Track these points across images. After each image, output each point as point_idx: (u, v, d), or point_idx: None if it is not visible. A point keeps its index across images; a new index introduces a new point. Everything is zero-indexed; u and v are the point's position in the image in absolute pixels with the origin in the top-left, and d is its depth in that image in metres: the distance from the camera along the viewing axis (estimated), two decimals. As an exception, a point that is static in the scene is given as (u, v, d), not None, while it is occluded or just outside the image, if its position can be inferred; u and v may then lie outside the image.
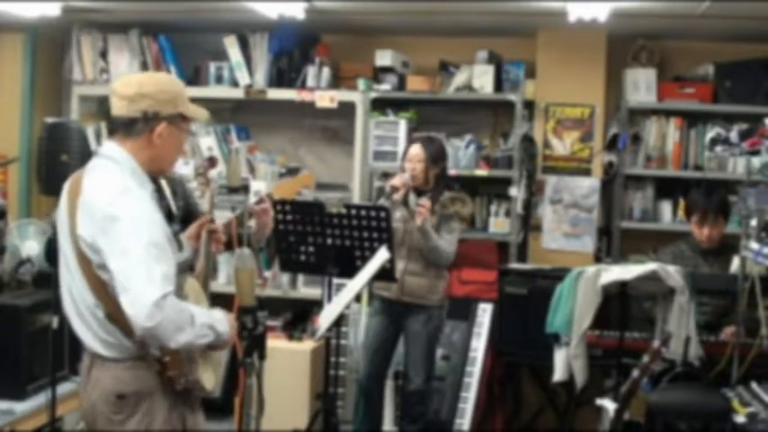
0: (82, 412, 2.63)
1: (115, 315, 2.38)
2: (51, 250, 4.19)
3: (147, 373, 2.47)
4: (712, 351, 3.74)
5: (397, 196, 4.18)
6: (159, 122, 2.48)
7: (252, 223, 3.03)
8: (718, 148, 4.34)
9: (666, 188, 5.24)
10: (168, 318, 2.27)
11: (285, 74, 5.41)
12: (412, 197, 4.26)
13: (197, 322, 2.36)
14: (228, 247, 2.99)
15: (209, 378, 2.60)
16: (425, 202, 4.14)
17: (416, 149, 4.26)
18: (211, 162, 3.20)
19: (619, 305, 3.83)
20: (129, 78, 2.56)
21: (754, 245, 3.42)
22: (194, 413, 2.63)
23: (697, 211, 4.18)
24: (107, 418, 2.48)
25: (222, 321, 2.48)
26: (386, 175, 5.13)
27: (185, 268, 2.73)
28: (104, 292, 2.40)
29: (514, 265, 5.01)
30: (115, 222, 2.34)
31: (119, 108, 2.49)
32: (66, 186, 2.54)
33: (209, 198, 2.93)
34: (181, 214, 3.99)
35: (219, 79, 5.46)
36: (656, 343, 3.15)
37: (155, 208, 2.46)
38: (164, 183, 3.85)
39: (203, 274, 2.80)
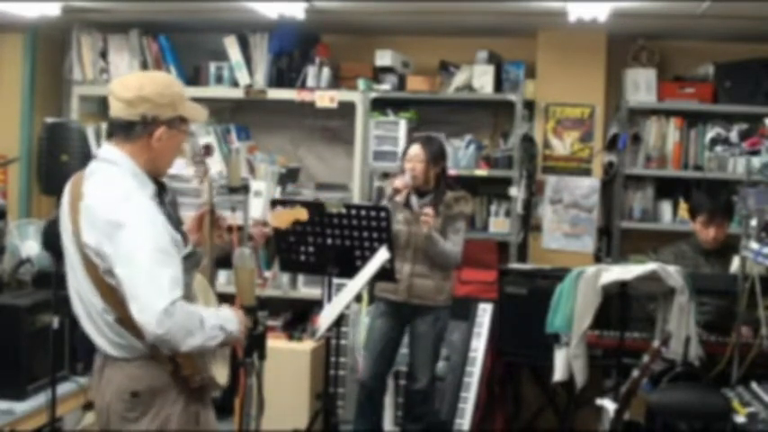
0: (96, 413, 2.62)
1: (125, 319, 2.38)
2: (48, 235, 4.17)
3: (159, 371, 2.47)
4: (712, 351, 3.75)
5: (400, 198, 4.16)
6: (158, 126, 2.47)
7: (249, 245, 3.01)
8: (719, 148, 4.36)
9: (666, 188, 5.24)
10: (178, 324, 2.28)
11: (285, 74, 5.41)
12: (414, 198, 4.25)
13: (207, 325, 2.37)
14: (227, 264, 2.95)
15: (222, 374, 2.61)
16: (430, 210, 4.12)
17: (416, 149, 4.24)
18: (207, 150, 3.17)
19: (619, 305, 3.83)
20: (127, 80, 2.53)
21: (754, 245, 3.42)
22: (207, 409, 2.63)
23: (704, 212, 4.18)
24: (121, 417, 2.48)
25: (232, 320, 2.49)
26: (386, 176, 5.13)
27: (195, 264, 2.73)
28: (113, 296, 2.39)
29: (514, 265, 5.01)
30: (120, 229, 2.33)
31: (117, 110, 2.48)
32: (67, 189, 2.53)
33: (207, 187, 2.89)
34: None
35: (219, 79, 5.46)
36: (656, 343, 3.16)
37: (157, 211, 2.44)
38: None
39: (209, 267, 2.78)
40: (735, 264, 4.00)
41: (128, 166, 2.47)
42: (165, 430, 2.47)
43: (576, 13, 4.51)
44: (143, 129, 2.46)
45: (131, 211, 2.36)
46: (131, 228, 2.33)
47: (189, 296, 2.45)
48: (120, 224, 2.33)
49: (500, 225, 5.23)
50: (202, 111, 2.63)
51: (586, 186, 5.20)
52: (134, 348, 2.45)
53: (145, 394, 2.46)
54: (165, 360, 2.45)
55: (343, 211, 3.99)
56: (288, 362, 4.57)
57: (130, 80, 2.52)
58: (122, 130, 2.47)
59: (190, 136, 2.68)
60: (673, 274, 3.66)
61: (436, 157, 4.26)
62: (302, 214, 3.27)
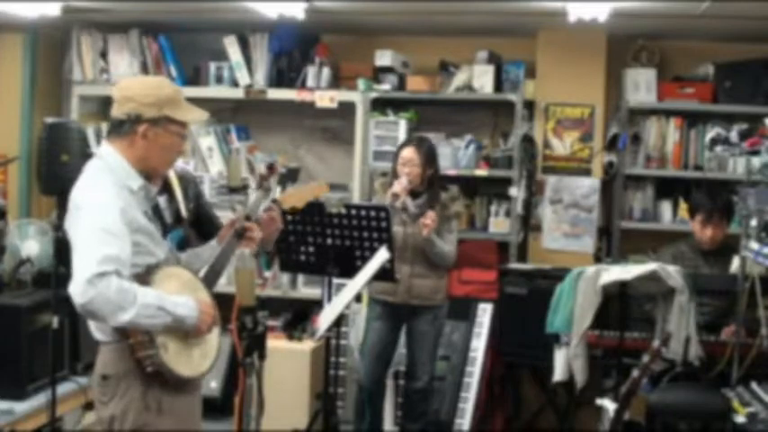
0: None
1: None
2: (59, 247, 4.18)
3: (125, 355, 2.54)
4: (712, 351, 3.74)
5: (399, 203, 4.17)
6: (141, 124, 2.61)
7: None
8: (718, 148, 4.34)
9: (666, 188, 5.24)
10: (103, 296, 2.36)
11: (285, 74, 5.41)
12: (408, 200, 4.25)
13: (140, 302, 2.42)
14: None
15: (185, 363, 2.58)
16: (432, 214, 4.13)
17: (411, 153, 4.24)
18: (272, 169, 3.22)
19: (619, 305, 3.83)
20: (122, 81, 2.75)
21: (754, 245, 3.42)
22: (176, 396, 2.62)
23: (702, 211, 4.17)
24: (99, 401, 2.60)
25: (185, 305, 2.53)
26: (384, 175, 5.12)
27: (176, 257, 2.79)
28: None
29: (514, 265, 5.01)
30: (78, 211, 2.51)
31: (113, 109, 2.66)
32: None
33: (255, 198, 2.96)
34: (191, 217, 3.96)
35: (219, 79, 5.46)
36: (656, 343, 3.15)
37: (120, 198, 2.54)
38: (176, 185, 3.84)
39: (217, 269, 2.76)
40: (735, 264, 4.00)
41: (114, 160, 2.63)
42: (126, 414, 2.54)
43: (575, 13, 4.51)
44: (129, 126, 2.62)
45: (90, 197, 2.53)
46: (85, 210, 2.50)
47: (147, 281, 2.51)
48: (79, 208, 2.52)
49: (500, 225, 5.23)
50: (199, 113, 2.74)
51: (586, 186, 5.20)
52: (107, 330, 2.55)
53: (113, 378, 2.55)
54: (127, 343, 2.53)
55: (343, 211, 3.99)
56: (288, 362, 4.58)
57: (124, 81, 2.76)
58: (114, 128, 2.67)
59: (183, 138, 2.73)
60: (673, 274, 3.65)
61: (431, 158, 4.27)
62: (320, 190, 3.20)
